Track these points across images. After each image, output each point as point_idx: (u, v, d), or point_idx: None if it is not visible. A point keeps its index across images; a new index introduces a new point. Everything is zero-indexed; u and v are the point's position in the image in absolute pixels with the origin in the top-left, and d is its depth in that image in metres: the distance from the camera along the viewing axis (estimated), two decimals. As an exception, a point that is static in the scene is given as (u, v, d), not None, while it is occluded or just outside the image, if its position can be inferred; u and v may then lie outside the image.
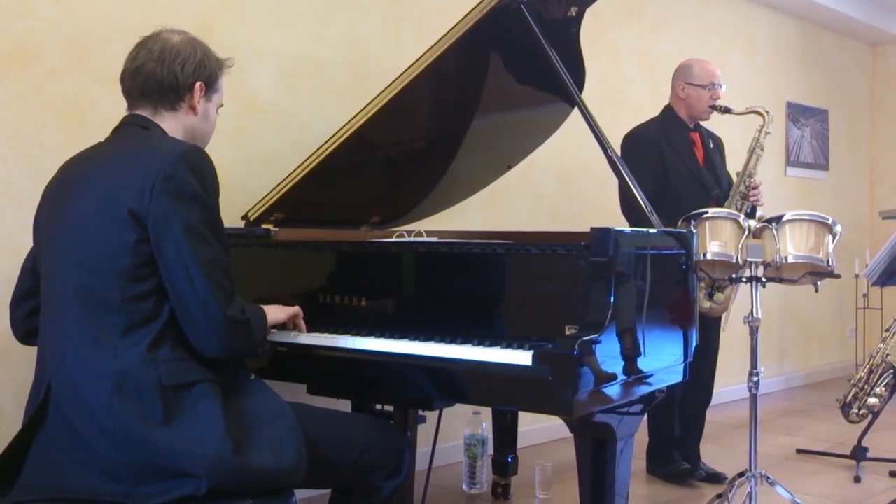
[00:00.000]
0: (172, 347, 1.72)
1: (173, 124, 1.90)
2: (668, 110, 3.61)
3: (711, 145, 3.62)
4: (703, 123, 3.64)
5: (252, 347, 1.83)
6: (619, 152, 2.41)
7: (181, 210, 1.70)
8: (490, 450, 3.35)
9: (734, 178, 3.52)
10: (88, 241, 1.74)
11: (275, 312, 2.09)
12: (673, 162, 3.47)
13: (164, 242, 1.70)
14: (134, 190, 1.70)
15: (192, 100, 1.91)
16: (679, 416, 3.63)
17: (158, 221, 1.69)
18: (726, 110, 3.47)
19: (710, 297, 3.30)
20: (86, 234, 1.75)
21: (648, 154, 3.44)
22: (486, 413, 3.36)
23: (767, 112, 3.44)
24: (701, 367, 3.52)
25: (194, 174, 1.73)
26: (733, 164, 3.68)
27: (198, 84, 1.91)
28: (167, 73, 1.87)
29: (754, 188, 3.40)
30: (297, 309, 2.18)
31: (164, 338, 1.71)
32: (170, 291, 1.72)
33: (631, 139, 3.53)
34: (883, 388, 3.80)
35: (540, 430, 4.13)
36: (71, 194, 1.82)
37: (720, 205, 3.41)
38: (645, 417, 3.52)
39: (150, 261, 1.71)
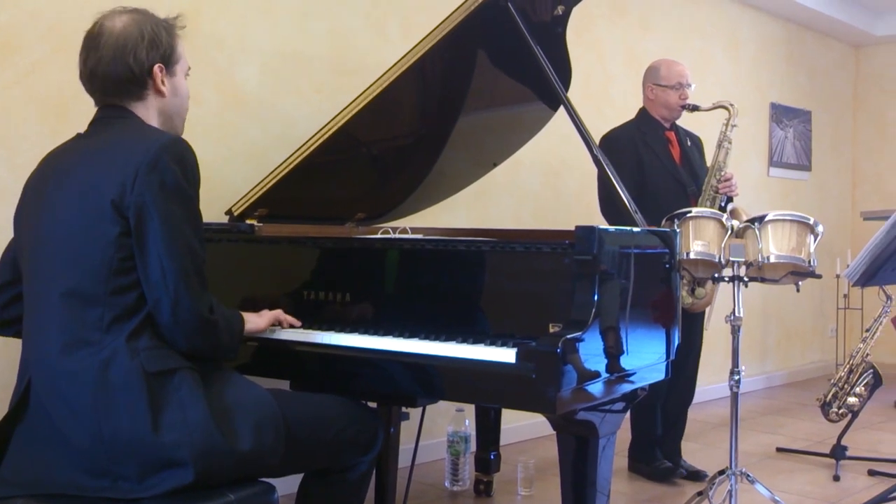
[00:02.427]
0: (151, 336, 1.72)
1: (145, 112, 1.86)
2: (643, 111, 3.67)
3: (689, 143, 3.67)
4: (680, 123, 3.69)
5: (216, 348, 1.82)
6: (602, 152, 2.43)
7: (162, 201, 1.70)
8: (473, 447, 3.36)
9: None
10: (72, 235, 1.72)
11: (255, 320, 2.09)
12: (650, 161, 3.51)
13: (143, 233, 1.69)
14: (116, 181, 1.69)
15: (156, 84, 1.86)
16: (661, 414, 3.65)
17: (140, 211, 1.68)
18: (694, 108, 3.53)
19: (693, 292, 3.33)
20: (69, 228, 1.73)
21: (625, 154, 3.47)
22: (470, 410, 3.36)
23: (732, 105, 3.50)
24: (683, 365, 3.54)
25: (178, 165, 1.72)
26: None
27: (156, 67, 1.85)
28: (122, 70, 1.81)
29: (726, 180, 3.45)
30: (276, 313, 2.17)
31: (144, 327, 1.71)
32: (142, 281, 1.71)
33: (607, 141, 3.57)
34: (863, 388, 3.84)
35: (523, 427, 4.14)
36: (53, 188, 1.80)
37: (697, 202, 3.45)
38: (627, 415, 3.55)
39: (133, 253, 1.70)
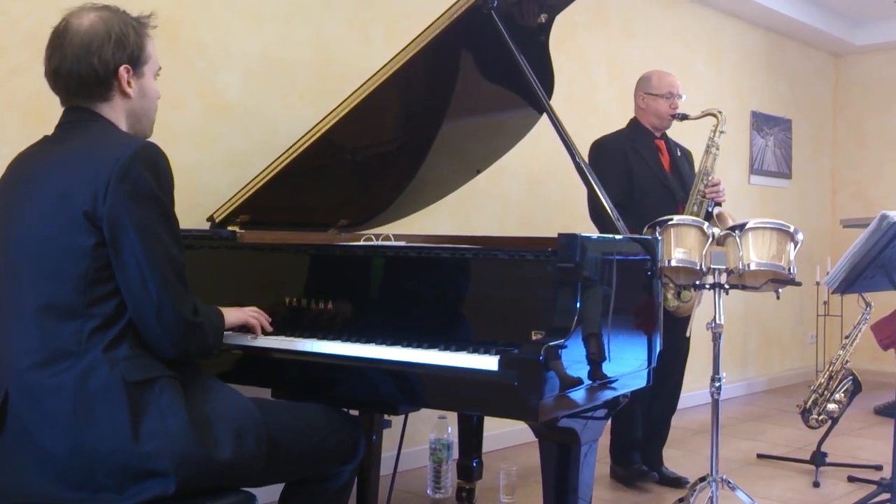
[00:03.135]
0: (131, 345, 1.70)
1: (112, 113, 1.82)
2: (634, 121, 3.72)
3: (679, 154, 3.70)
4: (669, 134, 3.73)
5: (204, 349, 1.82)
6: (586, 159, 2.43)
7: (136, 210, 1.67)
8: (455, 454, 3.35)
9: None
10: (45, 246, 1.70)
11: (233, 314, 2.08)
12: (639, 168, 3.55)
13: (119, 244, 1.67)
14: (88, 191, 1.66)
15: (122, 85, 1.80)
16: (644, 420, 3.66)
17: (114, 223, 1.66)
18: (683, 117, 3.59)
19: (679, 295, 3.35)
20: (42, 239, 1.70)
21: (614, 160, 3.52)
22: (452, 417, 3.36)
23: (720, 112, 3.56)
24: (669, 373, 3.56)
25: (150, 172, 1.70)
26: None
27: (122, 68, 1.79)
28: (85, 70, 1.76)
29: (713, 185, 3.48)
30: (253, 310, 2.16)
31: (123, 336, 1.69)
32: (123, 291, 1.69)
33: (597, 147, 3.62)
34: (842, 395, 3.86)
35: (505, 434, 4.14)
36: (22, 198, 1.76)
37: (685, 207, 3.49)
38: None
39: (110, 263, 1.68)
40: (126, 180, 1.66)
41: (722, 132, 3.54)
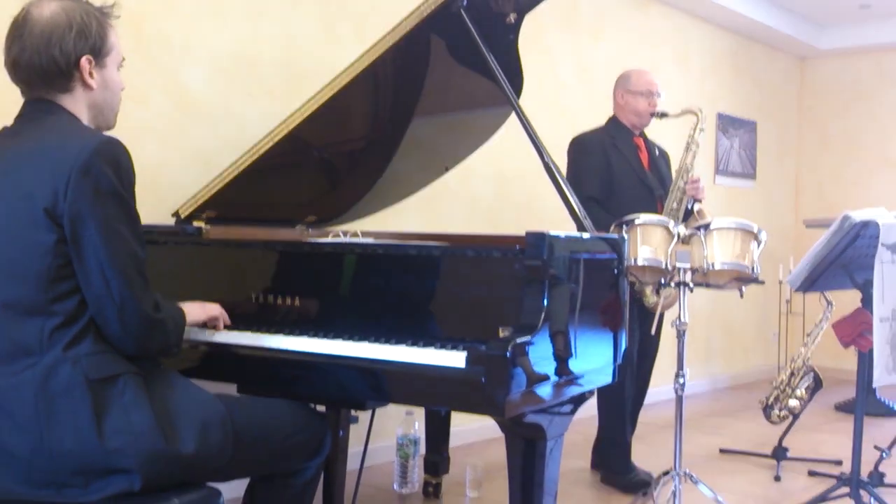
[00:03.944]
0: (94, 341, 1.68)
1: (74, 105, 1.79)
2: (613, 119, 3.73)
3: (657, 153, 3.74)
4: (648, 134, 3.76)
5: (166, 346, 1.81)
6: (555, 158, 2.44)
7: (98, 207, 1.65)
8: (422, 449, 3.36)
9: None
10: (5, 243, 1.67)
11: (195, 312, 2.06)
12: (619, 164, 3.58)
13: (80, 241, 1.65)
14: (48, 188, 1.64)
15: (83, 76, 1.77)
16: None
17: (75, 219, 1.64)
18: (663, 115, 3.61)
19: (657, 292, 3.38)
20: (1, 235, 1.68)
21: (594, 155, 3.56)
22: (419, 413, 3.37)
23: (701, 110, 3.59)
24: (638, 369, 3.59)
25: (111, 168, 1.67)
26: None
27: (83, 59, 1.76)
28: (46, 61, 1.73)
29: (693, 182, 3.51)
30: (216, 308, 2.15)
31: (86, 333, 1.68)
32: (84, 288, 1.67)
33: (577, 142, 3.65)
34: (803, 391, 3.93)
35: (472, 429, 4.15)
36: None
37: (664, 204, 3.53)
38: (596, 424, 3.56)
39: (71, 260, 1.67)
40: (87, 177, 1.64)
41: (702, 130, 3.57)
